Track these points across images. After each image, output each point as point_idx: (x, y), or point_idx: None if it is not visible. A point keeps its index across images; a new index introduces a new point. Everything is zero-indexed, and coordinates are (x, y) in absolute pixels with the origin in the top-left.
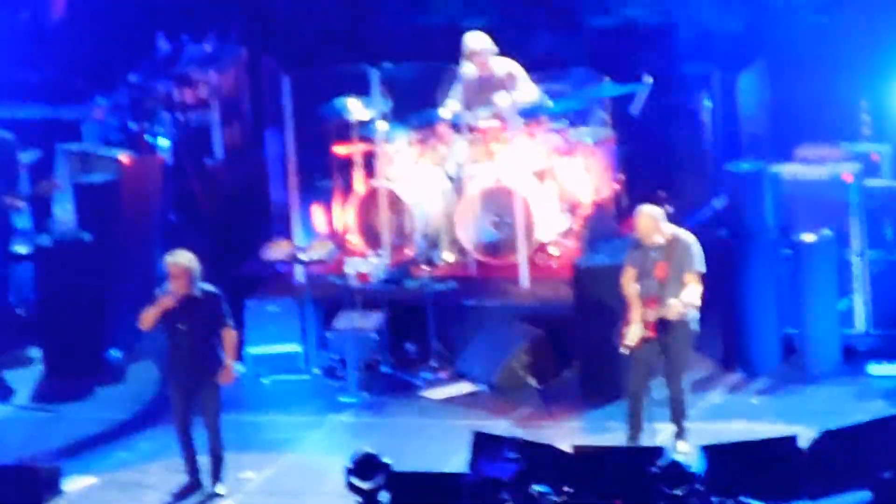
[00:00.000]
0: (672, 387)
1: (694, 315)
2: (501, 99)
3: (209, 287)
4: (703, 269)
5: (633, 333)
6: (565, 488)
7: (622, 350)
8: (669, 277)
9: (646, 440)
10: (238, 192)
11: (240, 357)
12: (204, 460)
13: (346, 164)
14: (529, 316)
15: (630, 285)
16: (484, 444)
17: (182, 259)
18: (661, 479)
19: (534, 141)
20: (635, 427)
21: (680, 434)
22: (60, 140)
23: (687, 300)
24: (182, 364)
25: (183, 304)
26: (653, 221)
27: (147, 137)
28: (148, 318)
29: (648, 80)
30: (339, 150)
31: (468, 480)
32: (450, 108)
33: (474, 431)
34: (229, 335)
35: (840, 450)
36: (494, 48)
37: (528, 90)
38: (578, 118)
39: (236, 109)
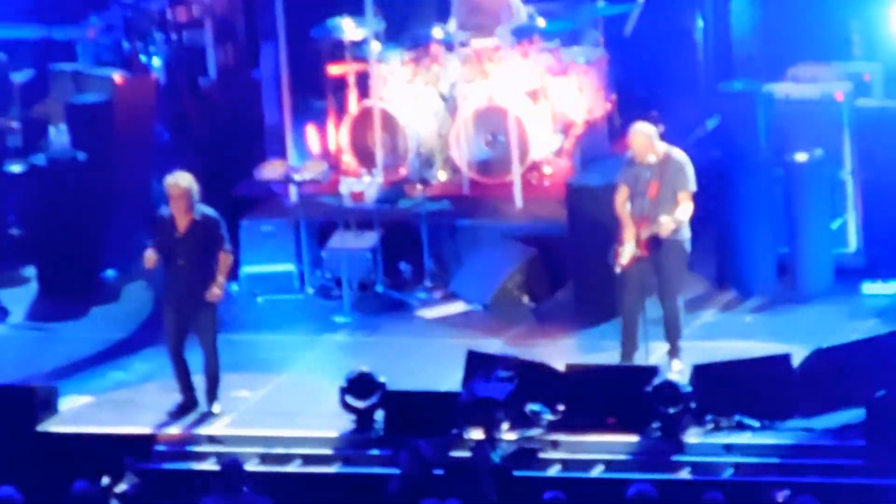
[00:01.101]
0: (666, 306)
1: (686, 234)
2: (495, 19)
3: (208, 210)
4: (694, 188)
5: (626, 252)
6: (559, 407)
7: (616, 269)
8: (662, 196)
9: (640, 359)
10: (232, 111)
11: (235, 277)
12: (199, 380)
13: (340, 84)
14: (523, 235)
15: (623, 204)
16: (478, 364)
17: (182, 180)
18: (654, 397)
19: (527, 61)
20: (630, 346)
21: (674, 353)
22: (54, 60)
23: (678, 216)
24: (178, 286)
25: (181, 227)
26: (647, 140)
27: (140, 57)
28: (150, 257)
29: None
30: (333, 70)
31: (463, 400)
32: (445, 27)
33: (469, 351)
34: (225, 258)
35: (833, 368)
36: None
37: (519, 11)
38: (571, 38)
39: (230, 29)
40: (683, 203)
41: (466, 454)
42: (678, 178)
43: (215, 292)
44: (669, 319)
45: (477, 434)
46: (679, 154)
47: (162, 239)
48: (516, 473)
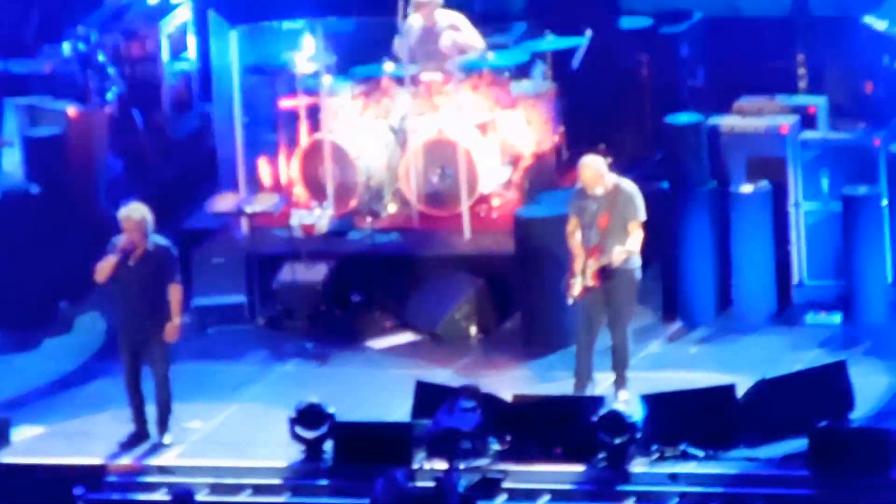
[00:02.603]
0: (615, 335)
1: (637, 263)
2: (447, 44)
3: (162, 241)
4: (644, 217)
5: (577, 283)
6: (507, 437)
7: (568, 300)
8: (612, 227)
9: (587, 389)
10: (184, 145)
11: (185, 308)
12: (151, 410)
13: (291, 118)
14: (471, 266)
15: (573, 235)
16: (432, 395)
17: (134, 213)
18: (601, 427)
19: (476, 94)
20: (583, 377)
21: (621, 383)
22: (9, 94)
23: (628, 247)
24: (131, 316)
25: (135, 257)
26: (595, 172)
27: (94, 91)
28: (102, 270)
29: (589, 34)
30: (284, 103)
31: (429, 431)
32: (395, 59)
33: (417, 381)
34: (175, 291)
35: (777, 398)
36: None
37: (473, 40)
38: (520, 72)
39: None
40: (634, 233)
41: (430, 484)
42: (628, 208)
43: (172, 333)
44: (618, 349)
45: (439, 464)
46: (628, 185)
47: (115, 270)
48: None
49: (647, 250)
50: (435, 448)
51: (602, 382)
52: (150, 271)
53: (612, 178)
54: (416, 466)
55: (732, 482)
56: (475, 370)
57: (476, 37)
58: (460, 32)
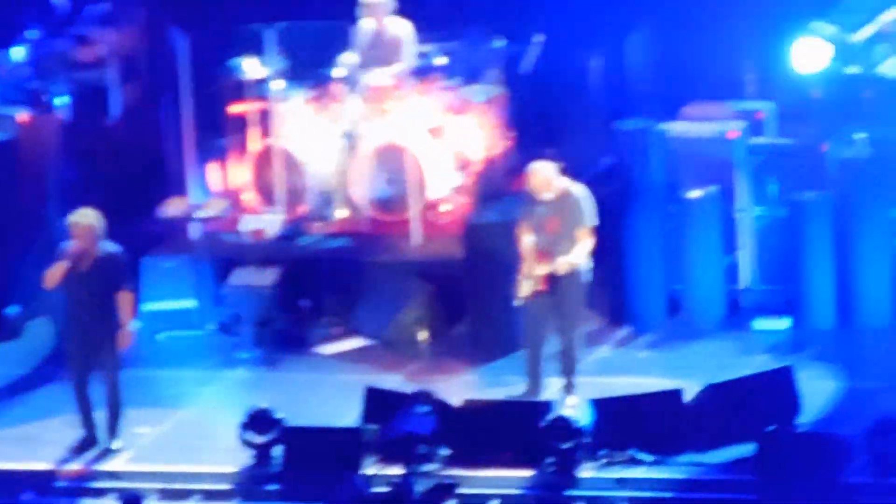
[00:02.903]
0: (563, 340)
1: (586, 266)
2: (391, 58)
3: (113, 247)
4: (594, 223)
5: (525, 286)
6: (456, 442)
7: (516, 303)
8: (562, 232)
9: (537, 394)
10: (134, 150)
11: (135, 315)
12: (101, 416)
13: (242, 123)
14: (421, 272)
15: (524, 239)
16: (382, 400)
17: (84, 219)
18: (549, 432)
19: (427, 99)
20: (532, 381)
21: (569, 388)
22: None
23: (574, 259)
24: (82, 322)
25: (85, 263)
26: (543, 178)
27: (44, 96)
28: (53, 276)
29: (539, 39)
30: (235, 108)
31: (387, 436)
32: (346, 64)
33: (367, 387)
34: (125, 298)
35: (725, 403)
36: (391, 5)
37: (411, 55)
38: (471, 76)
39: (134, 69)
40: (583, 240)
41: (384, 489)
42: (577, 213)
43: (125, 339)
44: (566, 353)
45: (392, 469)
46: (578, 190)
47: (66, 275)
48: None
49: (596, 255)
50: (390, 453)
51: (551, 387)
52: (100, 277)
53: (563, 183)
54: (370, 472)
55: (680, 487)
56: (425, 375)
57: (414, 53)
58: (404, 46)
